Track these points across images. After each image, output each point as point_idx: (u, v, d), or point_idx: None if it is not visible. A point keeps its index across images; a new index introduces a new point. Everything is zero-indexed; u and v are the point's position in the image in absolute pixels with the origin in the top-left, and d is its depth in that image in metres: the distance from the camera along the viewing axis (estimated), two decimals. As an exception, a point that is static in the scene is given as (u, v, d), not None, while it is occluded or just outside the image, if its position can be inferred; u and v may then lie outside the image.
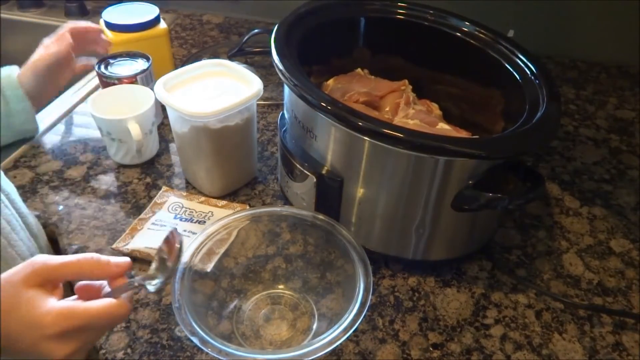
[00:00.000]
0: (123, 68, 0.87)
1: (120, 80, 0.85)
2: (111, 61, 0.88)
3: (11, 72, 0.80)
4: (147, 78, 0.87)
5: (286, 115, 0.72)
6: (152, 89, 0.78)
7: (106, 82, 0.86)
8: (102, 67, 0.87)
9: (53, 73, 0.82)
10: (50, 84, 0.83)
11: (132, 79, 0.85)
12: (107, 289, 0.49)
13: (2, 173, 0.65)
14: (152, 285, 0.50)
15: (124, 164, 0.85)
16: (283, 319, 0.63)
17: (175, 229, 0.52)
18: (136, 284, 0.49)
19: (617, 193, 0.84)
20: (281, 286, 0.67)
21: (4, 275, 0.45)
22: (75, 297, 0.48)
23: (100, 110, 0.80)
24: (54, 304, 0.44)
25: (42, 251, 0.70)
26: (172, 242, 0.51)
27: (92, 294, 0.48)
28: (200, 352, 0.60)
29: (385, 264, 0.71)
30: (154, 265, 0.51)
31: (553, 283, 0.70)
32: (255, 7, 1.29)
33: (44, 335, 0.43)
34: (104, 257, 0.47)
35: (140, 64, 0.88)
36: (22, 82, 0.80)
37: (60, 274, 0.46)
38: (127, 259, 0.49)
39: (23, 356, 0.47)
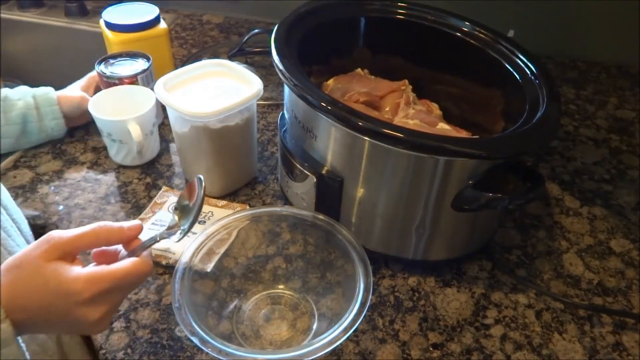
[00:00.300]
0: (123, 68, 0.87)
1: (120, 80, 0.85)
2: (111, 61, 0.88)
3: (49, 90, 0.85)
4: (148, 78, 0.87)
5: (286, 115, 0.72)
6: (152, 89, 0.78)
7: (107, 82, 0.86)
8: (103, 67, 0.87)
9: (75, 112, 0.86)
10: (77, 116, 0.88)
11: (133, 79, 0.85)
12: (124, 252, 0.50)
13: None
14: (175, 235, 0.51)
15: (124, 165, 0.85)
16: (283, 319, 0.63)
17: (199, 177, 0.53)
18: (158, 238, 0.50)
19: (617, 193, 0.84)
20: (281, 286, 0.67)
21: (21, 254, 0.46)
22: (94, 264, 0.49)
23: (101, 111, 0.80)
24: (79, 270, 0.45)
25: None
26: (193, 186, 0.53)
27: (110, 258, 0.49)
28: (200, 352, 0.60)
29: (385, 264, 0.71)
30: (175, 217, 0.53)
31: (553, 283, 0.70)
32: (255, 7, 1.29)
33: (77, 302, 0.44)
34: (115, 224, 0.49)
35: (140, 64, 0.88)
36: (60, 102, 0.84)
37: (78, 245, 0.47)
38: (139, 222, 0.51)
39: (58, 327, 0.49)
